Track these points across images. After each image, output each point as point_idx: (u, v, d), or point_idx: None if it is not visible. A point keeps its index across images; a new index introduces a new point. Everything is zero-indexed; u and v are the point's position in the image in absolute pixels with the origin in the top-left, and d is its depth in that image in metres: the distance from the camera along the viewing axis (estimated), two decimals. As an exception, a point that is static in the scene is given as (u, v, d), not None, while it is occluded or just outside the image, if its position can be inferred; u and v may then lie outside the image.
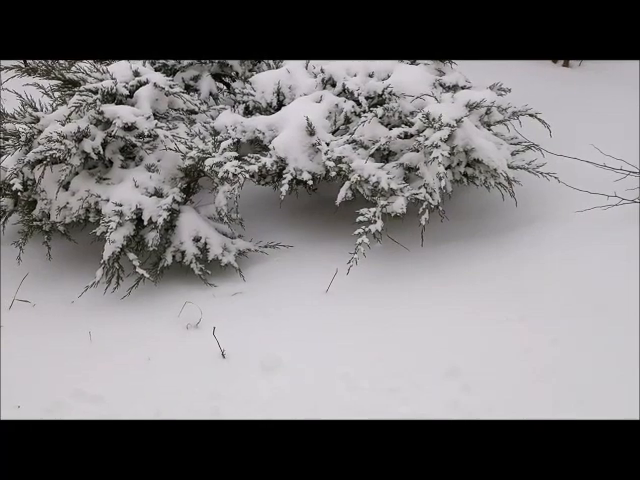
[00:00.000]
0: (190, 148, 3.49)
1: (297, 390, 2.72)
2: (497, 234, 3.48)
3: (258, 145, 3.71)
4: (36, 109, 3.73)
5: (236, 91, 4.03)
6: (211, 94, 4.18)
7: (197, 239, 3.55)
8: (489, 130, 3.53)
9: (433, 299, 3.13)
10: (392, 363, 2.79)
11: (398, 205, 3.23)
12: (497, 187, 3.42)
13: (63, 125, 3.47)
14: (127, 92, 3.63)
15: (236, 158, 3.41)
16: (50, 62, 3.56)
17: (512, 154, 3.52)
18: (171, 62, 4.22)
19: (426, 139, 3.26)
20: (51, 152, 3.35)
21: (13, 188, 3.47)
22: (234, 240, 3.66)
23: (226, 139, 3.50)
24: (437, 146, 3.21)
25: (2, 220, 3.83)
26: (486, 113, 3.52)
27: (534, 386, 2.52)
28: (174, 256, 3.54)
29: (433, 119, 3.30)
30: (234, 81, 4.27)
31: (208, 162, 3.38)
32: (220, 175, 3.35)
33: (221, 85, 4.35)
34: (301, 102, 3.72)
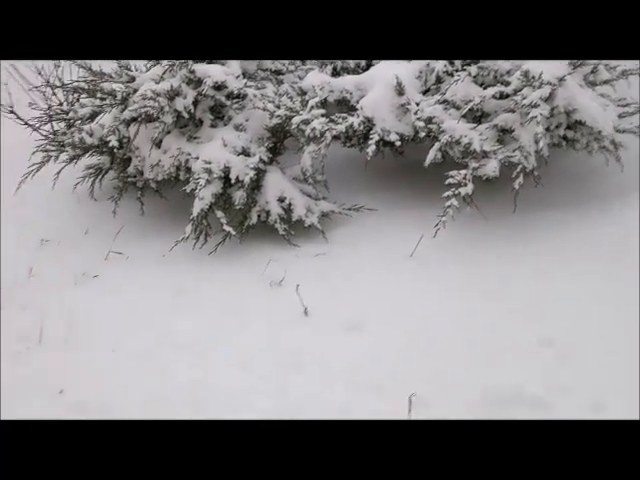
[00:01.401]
0: (278, 107, 3.49)
1: (379, 351, 2.69)
2: (599, 201, 3.26)
3: (345, 106, 3.64)
4: (131, 70, 3.84)
5: (324, 51, 3.97)
6: (299, 55, 4.14)
7: (282, 199, 3.56)
8: (594, 90, 3.29)
9: (526, 267, 2.98)
10: (480, 330, 2.70)
11: (490, 168, 3.09)
12: (601, 152, 3.19)
13: (157, 84, 3.55)
14: (218, 51, 3.65)
15: (323, 116, 3.36)
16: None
17: (619, 116, 3.27)
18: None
19: (524, 98, 3.08)
20: (145, 110, 3.44)
21: (109, 145, 3.61)
22: (318, 202, 3.64)
23: (313, 97, 3.46)
24: (536, 105, 3.02)
25: (100, 177, 4.01)
26: (592, 72, 3.27)
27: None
28: (259, 215, 3.57)
29: (532, 77, 3.11)
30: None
31: (295, 120, 3.36)
32: (307, 133, 3.32)
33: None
34: (391, 62, 3.61)
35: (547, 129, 3.16)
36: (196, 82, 3.59)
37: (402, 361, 2.60)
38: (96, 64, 3.82)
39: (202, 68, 3.55)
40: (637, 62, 3.43)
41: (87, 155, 3.92)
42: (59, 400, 2.53)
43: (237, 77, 3.57)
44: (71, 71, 4.14)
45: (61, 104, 4.18)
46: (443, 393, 2.37)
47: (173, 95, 3.50)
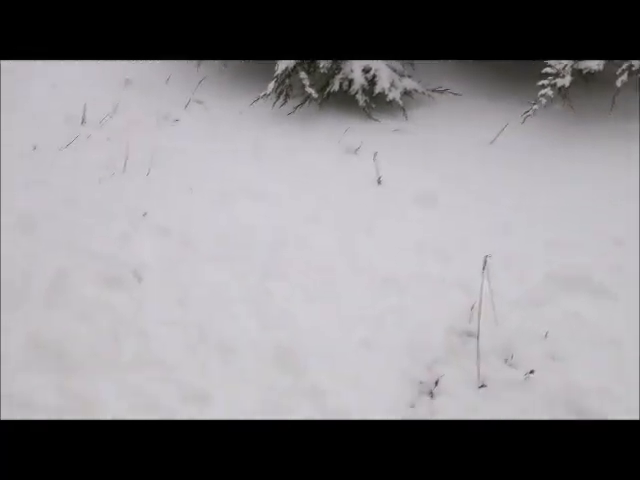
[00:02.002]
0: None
1: (448, 225, 2.72)
2: None
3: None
4: None
5: None
6: None
7: (367, 70, 3.51)
8: None
9: (617, 167, 2.88)
10: (553, 217, 2.69)
11: (595, 61, 2.94)
12: None
13: None
14: None
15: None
16: None
17: None
18: None
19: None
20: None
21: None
22: (402, 78, 3.58)
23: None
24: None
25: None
26: None
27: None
28: (341, 84, 3.54)
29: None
30: None
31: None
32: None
33: None
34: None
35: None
36: None
37: (470, 235, 2.64)
38: None
39: None
40: None
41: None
42: (143, 221, 2.69)
43: None
44: None
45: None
46: (508, 269, 2.42)
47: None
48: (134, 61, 3.95)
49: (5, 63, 3.83)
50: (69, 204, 2.75)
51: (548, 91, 2.97)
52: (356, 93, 3.50)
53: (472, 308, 2.21)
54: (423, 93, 3.56)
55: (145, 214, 2.73)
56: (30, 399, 1.89)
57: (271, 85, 3.46)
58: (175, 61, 3.96)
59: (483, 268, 2.09)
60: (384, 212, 2.83)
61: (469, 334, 2.15)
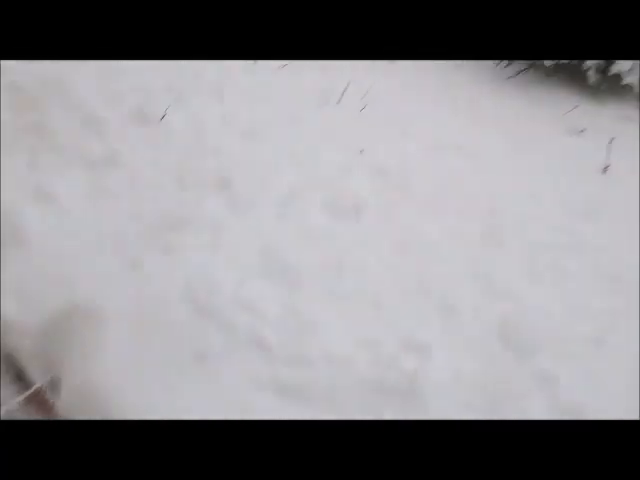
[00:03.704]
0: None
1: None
2: None
3: None
4: None
5: None
6: None
7: (608, 46, 3.21)
8: None
9: None
10: None
11: None
12: None
13: None
14: None
15: None
16: None
17: None
18: None
19: None
20: None
21: None
22: (643, 63, 3.25)
23: None
24: None
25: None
26: None
27: None
28: (574, 56, 3.27)
29: None
30: None
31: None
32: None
33: None
34: None
35: None
36: None
37: None
38: None
39: None
40: None
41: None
42: (361, 158, 2.65)
43: None
44: None
45: None
46: None
47: None
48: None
49: None
50: (292, 121, 2.76)
51: None
52: (588, 69, 3.23)
53: None
54: (663, 83, 3.22)
55: (362, 151, 2.68)
56: (255, 306, 1.94)
57: (500, 44, 3.26)
58: None
59: None
60: (610, 203, 2.62)
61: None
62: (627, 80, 3.19)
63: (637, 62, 3.22)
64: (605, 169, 2.78)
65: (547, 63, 3.21)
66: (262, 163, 2.46)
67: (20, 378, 1.90)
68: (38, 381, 1.86)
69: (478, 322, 1.97)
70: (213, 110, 2.74)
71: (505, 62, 3.31)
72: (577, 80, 3.28)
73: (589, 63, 3.22)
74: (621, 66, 3.20)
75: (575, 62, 3.26)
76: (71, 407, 1.81)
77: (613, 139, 2.79)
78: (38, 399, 1.86)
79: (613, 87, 3.23)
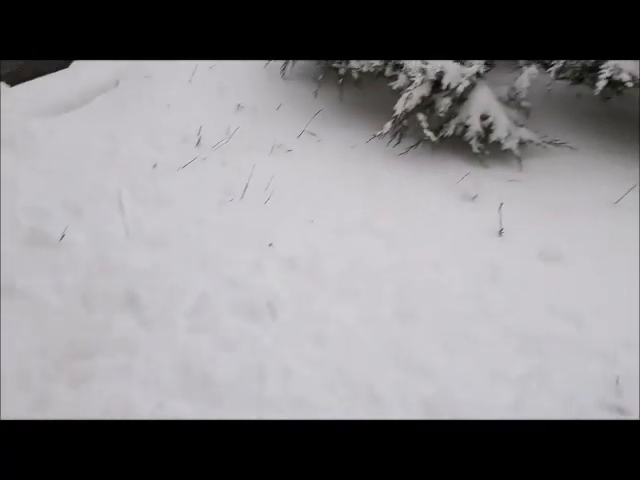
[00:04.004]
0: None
1: (579, 286, 2.64)
2: None
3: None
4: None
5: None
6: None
7: (484, 117, 3.48)
8: None
9: None
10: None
11: None
12: None
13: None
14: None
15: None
16: None
17: None
18: None
19: None
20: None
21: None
22: (519, 127, 3.54)
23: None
24: None
25: (295, 57, 4.04)
26: None
27: None
28: (456, 128, 3.52)
29: None
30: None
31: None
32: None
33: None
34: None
35: None
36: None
37: (602, 299, 2.56)
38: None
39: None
40: None
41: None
42: (270, 251, 2.68)
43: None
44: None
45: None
46: None
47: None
48: (245, 87, 4.05)
49: (120, 76, 3.96)
50: (196, 225, 2.77)
51: (687, 156, 2.88)
52: (471, 139, 3.47)
53: (617, 381, 2.14)
54: (539, 144, 3.51)
55: (271, 244, 2.72)
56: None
57: (388, 125, 3.46)
58: (284, 90, 4.02)
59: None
60: (509, 265, 2.77)
61: (620, 410, 2.06)
62: (506, 145, 3.45)
63: (514, 127, 3.50)
64: (500, 232, 2.96)
65: (433, 138, 3.43)
66: (170, 272, 2.44)
67: None
68: None
69: (403, 407, 1.99)
70: (115, 222, 2.72)
71: (395, 140, 3.51)
72: (463, 150, 3.51)
73: (472, 133, 3.47)
74: (499, 133, 3.47)
75: (459, 132, 3.51)
76: None
77: (502, 204, 2.99)
78: None
79: (495, 153, 3.48)
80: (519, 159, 3.44)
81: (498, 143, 3.46)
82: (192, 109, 3.76)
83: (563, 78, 3.58)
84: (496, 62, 3.69)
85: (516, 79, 3.46)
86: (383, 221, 2.98)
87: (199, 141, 3.48)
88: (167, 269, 2.44)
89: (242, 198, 3.07)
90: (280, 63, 4.10)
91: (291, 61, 4.07)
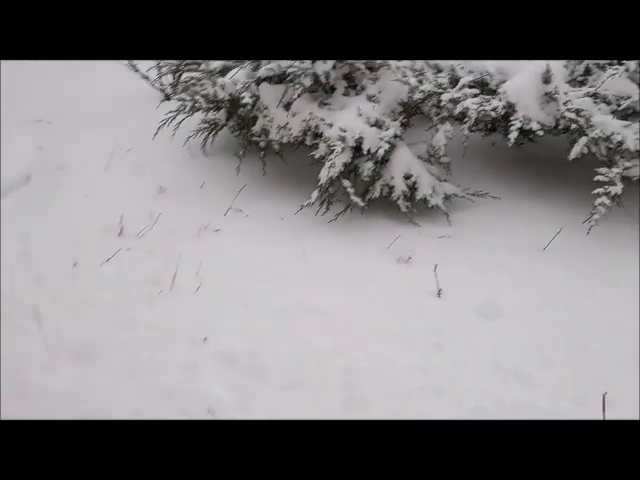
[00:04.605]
0: (420, 82, 3.42)
1: (521, 339, 2.65)
2: None
3: (481, 88, 3.57)
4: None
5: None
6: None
7: (408, 176, 3.51)
8: None
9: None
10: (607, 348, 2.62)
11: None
12: None
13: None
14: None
15: (475, 96, 3.29)
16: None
17: None
18: None
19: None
20: (292, 70, 3.39)
21: (242, 101, 3.57)
22: (442, 183, 3.59)
23: (462, 77, 3.39)
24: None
25: (214, 132, 3.99)
26: None
27: None
28: (382, 190, 3.53)
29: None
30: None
31: (445, 97, 3.29)
32: (458, 111, 3.26)
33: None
34: (534, 48, 3.51)
35: None
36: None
37: (547, 351, 2.56)
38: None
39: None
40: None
41: (202, 110, 3.89)
42: (205, 347, 2.54)
43: (377, 47, 3.50)
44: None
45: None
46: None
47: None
48: (167, 167, 3.95)
49: (31, 171, 3.79)
50: (124, 328, 2.60)
51: (604, 200, 2.98)
52: (398, 199, 3.49)
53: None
54: (463, 197, 3.57)
55: (205, 339, 2.58)
56: None
57: (315, 194, 3.43)
58: (206, 167, 3.95)
59: (603, 410, 1.97)
60: (450, 327, 2.74)
61: None
62: (432, 202, 3.48)
63: (437, 183, 3.55)
64: (439, 293, 2.94)
65: (360, 203, 3.42)
66: (99, 388, 2.25)
67: None
68: None
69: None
70: (32, 335, 2.51)
71: (324, 208, 3.48)
72: (392, 210, 3.52)
73: (397, 193, 3.49)
74: (424, 190, 3.50)
75: (386, 193, 3.52)
76: None
77: (437, 266, 2.98)
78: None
79: (423, 210, 3.51)
80: (447, 214, 3.48)
81: (425, 200, 3.49)
82: (112, 197, 3.62)
83: (477, 130, 3.69)
84: (411, 121, 3.77)
85: (432, 137, 3.53)
86: (320, 297, 2.90)
87: (121, 231, 3.34)
88: (96, 383, 2.26)
89: (172, 288, 2.93)
90: (200, 139, 4.04)
91: (211, 136, 4.02)
